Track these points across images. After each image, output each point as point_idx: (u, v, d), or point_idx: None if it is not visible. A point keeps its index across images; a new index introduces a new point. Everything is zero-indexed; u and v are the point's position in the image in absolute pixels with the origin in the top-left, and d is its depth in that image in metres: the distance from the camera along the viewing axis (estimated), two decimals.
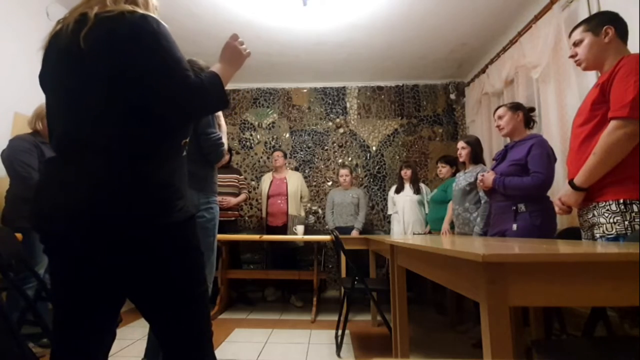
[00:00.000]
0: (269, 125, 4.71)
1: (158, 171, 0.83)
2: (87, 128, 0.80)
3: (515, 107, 2.16)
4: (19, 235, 1.94)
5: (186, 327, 0.85)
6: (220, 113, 1.77)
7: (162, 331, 0.86)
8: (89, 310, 0.86)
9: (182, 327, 0.85)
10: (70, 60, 0.82)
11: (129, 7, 0.83)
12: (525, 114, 2.14)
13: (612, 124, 1.31)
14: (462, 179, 2.69)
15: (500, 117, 2.18)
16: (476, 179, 2.52)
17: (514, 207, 1.99)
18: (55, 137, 0.86)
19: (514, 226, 1.96)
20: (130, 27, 0.80)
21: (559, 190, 1.56)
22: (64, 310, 0.87)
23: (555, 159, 2.03)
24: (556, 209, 1.57)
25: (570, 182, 1.45)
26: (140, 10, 0.84)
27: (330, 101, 4.73)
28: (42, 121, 2.23)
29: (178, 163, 0.91)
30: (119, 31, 0.79)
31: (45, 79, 0.89)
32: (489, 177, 2.10)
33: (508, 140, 2.24)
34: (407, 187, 3.74)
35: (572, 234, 1.89)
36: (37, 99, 2.45)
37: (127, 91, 0.81)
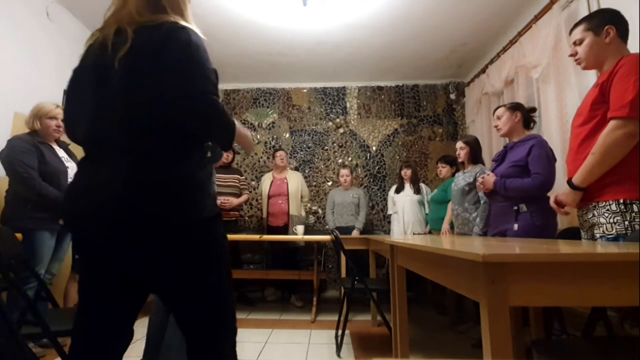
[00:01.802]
0: (269, 125, 4.72)
1: (187, 171, 0.85)
2: (121, 133, 0.83)
3: (514, 107, 2.16)
4: (19, 235, 1.94)
5: (211, 319, 0.88)
6: None
7: (188, 324, 0.88)
8: (115, 308, 0.89)
9: (207, 319, 0.87)
10: (105, 74, 0.85)
11: (168, 18, 0.87)
12: (524, 115, 2.13)
13: (612, 123, 1.31)
14: (461, 179, 2.69)
15: (498, 117, 2.17)
16: (475, 179, 2.51)
17: (515, 207, 1.98)
18: (85, 140, 0.89)
19: (515, 226, 1.95)
20: (167, 44, 0.83)
21: (558, 190, 1.56)
22: (90, 306, 0.89)
23: (555, 159, 2.03)
24: (553, 206, 1.56)
25: (569, 182, 1.45)
26: (172, 19, 0.88)
27: (330, 101, 4.73)
28: (41, 121, 2.22)
29: (203, 163, 0.93)
30: (154, 50, 0.83)
31: (75, 87, 0.93)
32: (490, 179, 2.08)
33: (508, 140, 2.24)
34: (407, 187, 3.74)
35: (572, 234, 1.89)
36: (37, 99, 2.45)
37: (157, 103, 0.83)
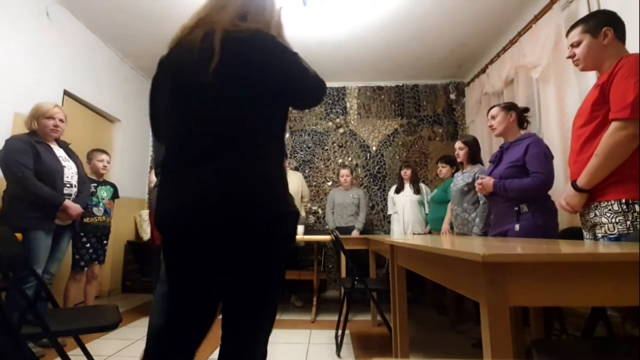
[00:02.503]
0: None
1: (279, 171, 0.92)
2: (209, 139, 0.86)
3: (509, 107, 2.14)
4: (18, 235, 1.94)
5: (254, 316, 0.92)
6: None
7: (232, 315, 0.90)
8: (204, 304, 0.92)
9: (266, 305, 0.93)
10: (190, 80, 0.88)
11: (253, 26, 0.89)
12: (519, 114, 2.12)
13: (613, 125, 1.31)
14: (460, 179, 2.68)
15: (493, 117, 2.16)
16: (474, 179, 2.51)
17: (516, 208, 1.96)
18: (171, 145, 0.93)
19: (517, 226, 1.93)
20: (257, 48, 0.87)
21: (557, 189, 1.56)
22: (185, 303, 0.91)
23: (552, 157, 2.02)
24: (564, 208, 1.55)
25: (573, 184, 1.44)
26: (258, 27, 0.90)
27: (330, 101, 4.73)
28: (38, 121, 2.21)
29: (282, 161, 0.98)
30: (247, 56, 0.86)
31: (157, 87, 0.97)
32: (489, 182, 2.06)
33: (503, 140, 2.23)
34: (407, 187, 3.74)
35: (572, 233, 1.89)
36: (37, 99, 2.45)
37: (263, 100, 0.88)
